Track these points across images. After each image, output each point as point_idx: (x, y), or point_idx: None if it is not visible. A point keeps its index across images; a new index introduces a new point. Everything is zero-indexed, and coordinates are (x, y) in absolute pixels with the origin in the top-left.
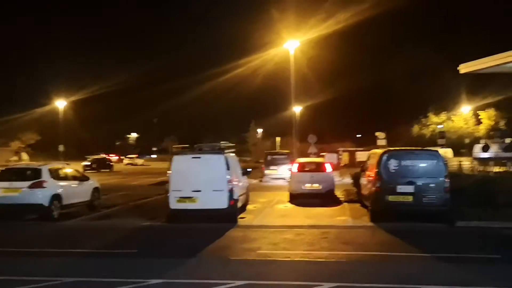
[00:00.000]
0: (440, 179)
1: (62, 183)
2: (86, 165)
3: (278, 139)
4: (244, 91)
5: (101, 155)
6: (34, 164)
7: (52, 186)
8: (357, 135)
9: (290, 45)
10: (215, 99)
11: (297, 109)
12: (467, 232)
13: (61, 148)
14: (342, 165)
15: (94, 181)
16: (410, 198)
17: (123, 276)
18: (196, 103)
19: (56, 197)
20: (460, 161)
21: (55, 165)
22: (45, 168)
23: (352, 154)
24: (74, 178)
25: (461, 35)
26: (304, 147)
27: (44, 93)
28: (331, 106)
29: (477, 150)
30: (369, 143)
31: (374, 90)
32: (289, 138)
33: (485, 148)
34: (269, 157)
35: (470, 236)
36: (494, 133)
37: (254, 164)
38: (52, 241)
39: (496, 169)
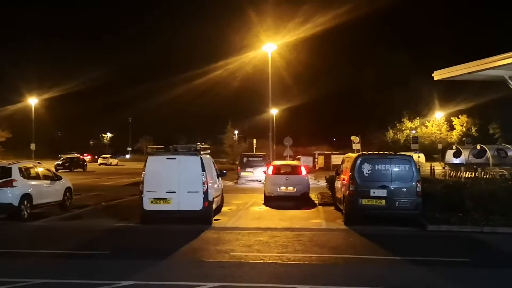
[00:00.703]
0: (413, 183)
1: (33, 182)
2: (59, 164)
3: (254, 141)
4: (221, 93)
5: (75, 154)
6: (4, 162)
7: (22, 186)
8: (333, 139)
9: (268, 48)
10: (192, 100)
11: (273, 111)
12: (438, 236)
13: (32, 146)
14: (318, 168)
15: (67, 180)
16: (383, 202)
17: (94, 277)
18: (172, 103)
19: (26, 197)
20: (432, 166)
21: (25, 164)
22: (15, 167)
23: (327, 158)
24: (45, 177)
25: (436, 42)
26: (280, 149)
27: (16, 90)
28: (307, 109)
29: (449, 156)
30: (345, 146)
31: (350, 95)
32: (266, 140)
33: (457, 154)
34: (244, 159)
35: (440, 239)
36: (466, 139)
37: (230, 165)
38: (21, 242)
39: (467, 174)
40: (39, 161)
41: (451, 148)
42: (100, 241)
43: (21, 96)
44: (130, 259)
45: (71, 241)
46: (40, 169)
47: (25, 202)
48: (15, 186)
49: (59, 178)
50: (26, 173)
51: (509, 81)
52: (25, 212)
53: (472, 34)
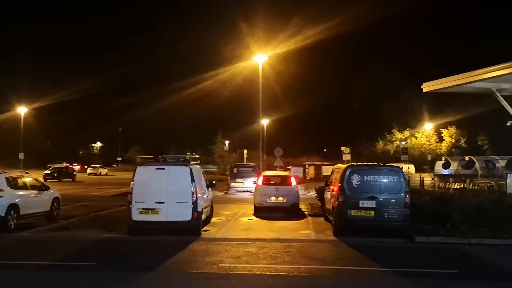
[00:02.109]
0: (401, 195)
1: (20, 192)
2: (47, 174)
3: (245, 151)
4: (212, 103)
5: (64, 164)
6: None
7: (9, 196)
8: (324, 149)
9: (259, 58)
10: (182, 110)
11: (264, 122)
12: (426, 248)
13: (21, 156)
14: (308, 178)
15: (55, 190)
16: (372, 213)
17: None
18: (163, 114)
19: (13, 207)
20: (421, 177)
21: (13, 173)
22: (2, 176)
23: (318, 168)
24: (33, 187)
25: (426, 54)
26: (271, 160)
27: (5, 99)
28: (298, 120)
29: (438, 167)
30: (335, 157)
31: (340, 105)
32: (256, 151)
33: (446, 165)
34: (235, 170)
35: (428, 251)
36: (455, 151)
37: (221, 176)
38: (7, 253)
39: (456, 185)
40: (26, 171)
41: (440, 159)
42: (86, 252)
43: (9, 105)
44: (117, 271)
45: (57, 252)
46: (27, 179)
47: (12, 212)
48: (2, 196)
49: (47, 188)
50: (13, 183)
51: (497, 93)
52: (12, 223)
53: (464, 48)
